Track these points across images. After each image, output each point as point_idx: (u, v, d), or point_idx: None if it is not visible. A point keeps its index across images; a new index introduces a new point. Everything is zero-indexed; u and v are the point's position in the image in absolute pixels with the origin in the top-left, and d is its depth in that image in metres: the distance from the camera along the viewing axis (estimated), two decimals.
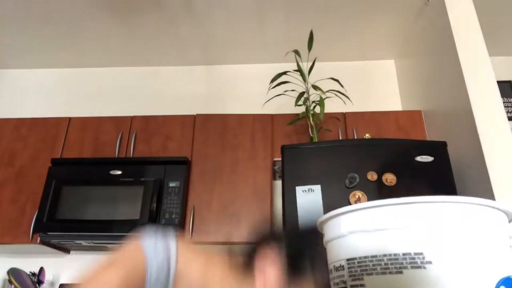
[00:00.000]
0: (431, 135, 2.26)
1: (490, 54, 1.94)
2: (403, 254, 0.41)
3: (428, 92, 2.34)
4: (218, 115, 2.42)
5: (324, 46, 2.74)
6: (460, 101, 1.93)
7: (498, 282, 0.40)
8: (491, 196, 1.63)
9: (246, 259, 0.60)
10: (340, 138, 2.28)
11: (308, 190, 1.63)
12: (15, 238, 2.17)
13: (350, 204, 1.56)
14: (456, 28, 2.01)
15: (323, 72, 2.41)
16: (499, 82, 1.87)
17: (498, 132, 1.76)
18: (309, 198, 1.62)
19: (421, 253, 0.41)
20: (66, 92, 2.97)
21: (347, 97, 2.16)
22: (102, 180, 2.17)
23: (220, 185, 2.21)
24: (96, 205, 2.10)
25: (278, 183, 2.49)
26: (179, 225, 2.06)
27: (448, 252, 0.41)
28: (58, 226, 2.08)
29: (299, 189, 1.63)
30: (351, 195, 1.61)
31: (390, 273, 0.41)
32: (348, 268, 0.45)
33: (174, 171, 2.17)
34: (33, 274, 2.23)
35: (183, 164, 2.20)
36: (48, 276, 2.34)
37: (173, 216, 2.06)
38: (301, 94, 2.13)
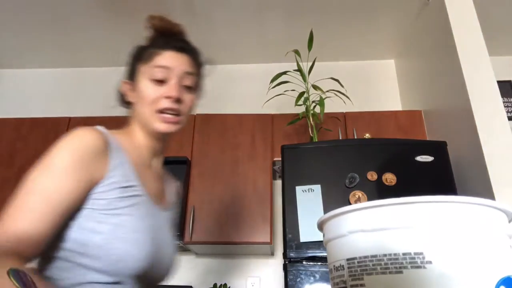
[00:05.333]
0: (431, 135, 2.26)
1: (490, 54, 1.94)
2: (403, 254, 0.41)
3: (428, 92, 2.34)
4: (218, 115, 2.42)
5: (324, 46, 2.74)
6: (460, 101, 1.93)
7: (498, 282, 0.40)
8: (491, 196, 1.64)
9: None
10: (340, 138, 2.28)
11: (308, 190, 1.63)
12: None
13: (350, 204, 1.57)
14: (456, 28, 2.01)
15: (323, 72, 2.42)
16: (499, 82, 1.87)
17: (498, 132, 1.76)
18: (309, 197, 1.62)
19: (421, 253, 0.41)
20: (66, 92, 2.97)
21: (347, 97, 2.16)
22: None
23: (220, 185, 2.21)
24: None
25: (278, 183, 2.49)
26: (179, 225, 2.06)
27: (448, 252, 0.41)
28: None
29: (299, 189, 1.64)
30: (351, 195, 1.61)
31: (390, 273, 0.41)
32: (348, 268, 0.45)
33: (174, 171, 2.15)
34: None
35: (183, 164, 2.20)
36: None
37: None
38: (301, 94, 2.13)
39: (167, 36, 0.92)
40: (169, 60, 0.86)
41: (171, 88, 0.83)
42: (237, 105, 2.77)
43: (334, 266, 0.47)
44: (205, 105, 2.79)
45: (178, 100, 0.84)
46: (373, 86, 2.85)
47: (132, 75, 0.91)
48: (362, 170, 1.66)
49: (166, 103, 0.82)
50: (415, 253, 0.40)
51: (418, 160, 1.68)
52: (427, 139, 2.27)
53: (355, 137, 2.29)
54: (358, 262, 0.44)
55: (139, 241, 0.73)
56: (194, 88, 0.90)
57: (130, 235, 0.72)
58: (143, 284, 0.79)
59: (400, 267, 0.41)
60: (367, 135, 2.07)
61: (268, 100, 2.39)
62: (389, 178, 1.65)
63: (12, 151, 2.40)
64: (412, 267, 0.40)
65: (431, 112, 2.30)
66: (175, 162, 2.19)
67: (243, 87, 2.88)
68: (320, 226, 0.53)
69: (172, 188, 1.03)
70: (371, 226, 0.44)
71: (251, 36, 2.71)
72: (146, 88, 0.84)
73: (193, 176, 2.24)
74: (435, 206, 0.42)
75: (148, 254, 0.75)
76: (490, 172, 1.68)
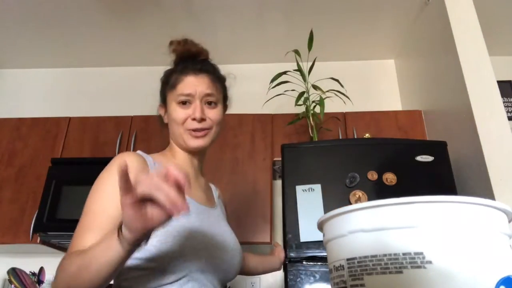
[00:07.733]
0: (431, 135, 2.26)
1: (490, 54, 1.94)
2: (403, 254, 0.41)
3: (428, 92, 2.34)
4: None
5: (324, 46, 2.74)
6: (460, 101, 1.93)
7: (498, 282, 0.40)
8: (491, 196, 1.64)
9: None
10: (340, 138, 2.28)
11: (308, 189, 1.63)
12: (15, 238, 2.17)
13: (350, 203, 1.57)
14: (456, 28, 2.01)
15: (323, 72, 2.42)
16: (499, 82, 1.87)
17: (498, 132, 1.76)
18: (309, 197, 1.62)
19: (421, 253, 0.41)
20: (66, 92, 2.97)
21: (347, 97, 2.15)
22: None
23: (220, 185, 2.21)
24: None
25: (278, 183, 2.49)
26: None
27: (448, 252, 0.41)
28: (58, 226, 2.08)
29: (299, 189, 1.64)
30: (351, 194, 1.61)
31: (390, 273, 0.41)
32: (348, 268, 0.45)
33: None
34: (33, 274, 2.23)
35: None
36: (48, 276, 2.34)
37: None
38: (301, 94, 2.13)
39: (187, 60, 1.07)
40: (190, 86, 0.99)
41: (194, 111, 0.97)
42: (237, 105, 2.74)
43: (334, 266, 0.47)
44: None
45: (202, 119, 0.97)
46: (373, 86, 2.85)
47: (164, 99, 1.05)
48: (363, 170, 1.66)
49: (192, 124, 0.97)
50: (415, 253, 0.40)
51: (418, 160, 1.68)
52: (427, 139, 2.27)
53: (355, 137, 2.29)
54: (358, 262, 0.44)
55: (190, 235, 0.84)
56: (217, 102, 1.03)
57: (180, 232, 0.82)
58: (217, 277, 0.91)
59: (400, 267, 0.41)
60: (367, 135, 2.07)
61: (268, 100, 2.39)
62: (390, 178, 1.65)
63: (12, 151, 2.40)
64: (412, 267, 0.40)
65: (431, 112, 2.30)
66: None
67: (243, 87, 2.86)
68: (320, 226, 0.53)
69: (215, 192, 1.20)
70: (371, 226, 0.44)
71: (251, 36, 2.71)
72: (175, 111, 0.99)
73: None
74: (435, 206, 0.42)
75: (202, 245, 0.86)
76: (490, 172, 1.68)
